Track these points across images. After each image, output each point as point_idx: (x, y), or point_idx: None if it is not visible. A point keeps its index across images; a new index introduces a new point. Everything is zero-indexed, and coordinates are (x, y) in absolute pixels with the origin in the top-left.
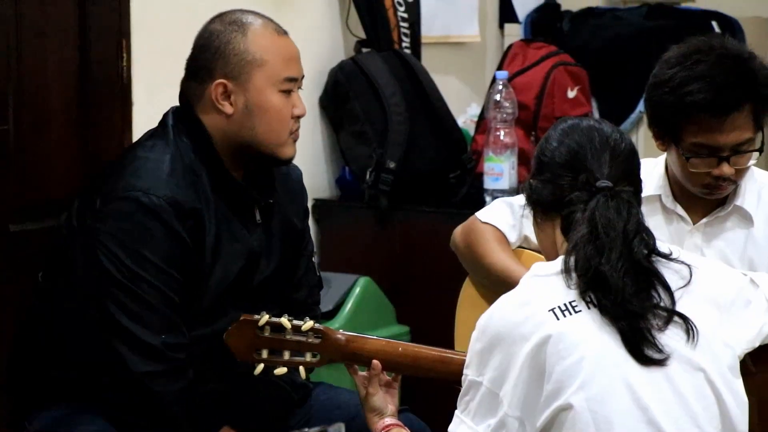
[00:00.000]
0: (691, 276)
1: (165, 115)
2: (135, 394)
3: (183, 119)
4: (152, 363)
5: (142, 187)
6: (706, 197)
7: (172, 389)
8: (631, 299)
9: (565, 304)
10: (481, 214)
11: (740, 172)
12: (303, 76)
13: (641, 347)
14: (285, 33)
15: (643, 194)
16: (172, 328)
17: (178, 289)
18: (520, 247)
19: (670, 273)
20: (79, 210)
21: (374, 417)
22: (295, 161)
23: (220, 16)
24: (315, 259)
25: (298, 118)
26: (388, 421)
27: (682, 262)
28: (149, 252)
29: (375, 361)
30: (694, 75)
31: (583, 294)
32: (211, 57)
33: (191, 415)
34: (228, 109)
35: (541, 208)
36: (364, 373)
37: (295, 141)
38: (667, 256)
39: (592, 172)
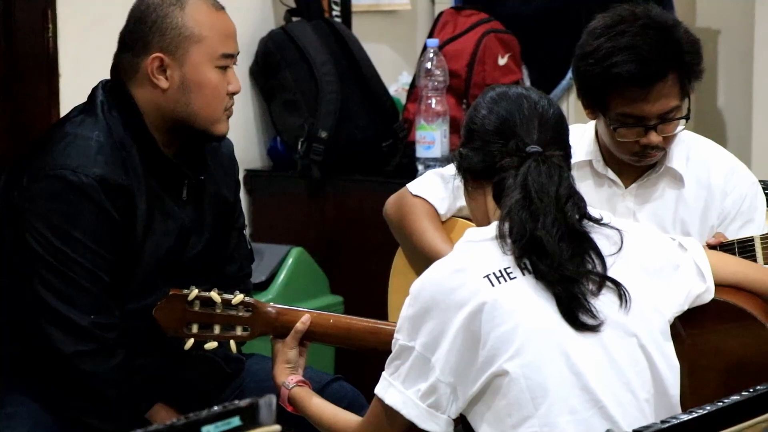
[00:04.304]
0: (622, 242)
1: (94, 89)
2: (66, 375)
3: (113, 93)
4: (81, 343)
5: (70, 166)
6: (636, 165)
7: (103, 369)
8: (566, 264)
9: (500, 271)
10: (413, 187)
11: (668, 140)
12: (238, 53)
13: (576, 313)
14: (222, 8)
15: (574, 160)
16: (102, 308)
17: (107, 269)
18: (454, 216)
19: (602, 239)
20: (6, 187)
21: (286, 368)
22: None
23: None
24: (246, 232)
25: (232, 94)
26: (300, 377)
27: (613, 227)
28: (78, 231)
29: (306, 315)
30: (618, 46)
31: (518, 260)
32: (147, 30)
33: (125, 396)
34: (163, 83)
35: (472, 176)
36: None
37: (228, 117)
38: (598, 221)
39: (521, 138)
